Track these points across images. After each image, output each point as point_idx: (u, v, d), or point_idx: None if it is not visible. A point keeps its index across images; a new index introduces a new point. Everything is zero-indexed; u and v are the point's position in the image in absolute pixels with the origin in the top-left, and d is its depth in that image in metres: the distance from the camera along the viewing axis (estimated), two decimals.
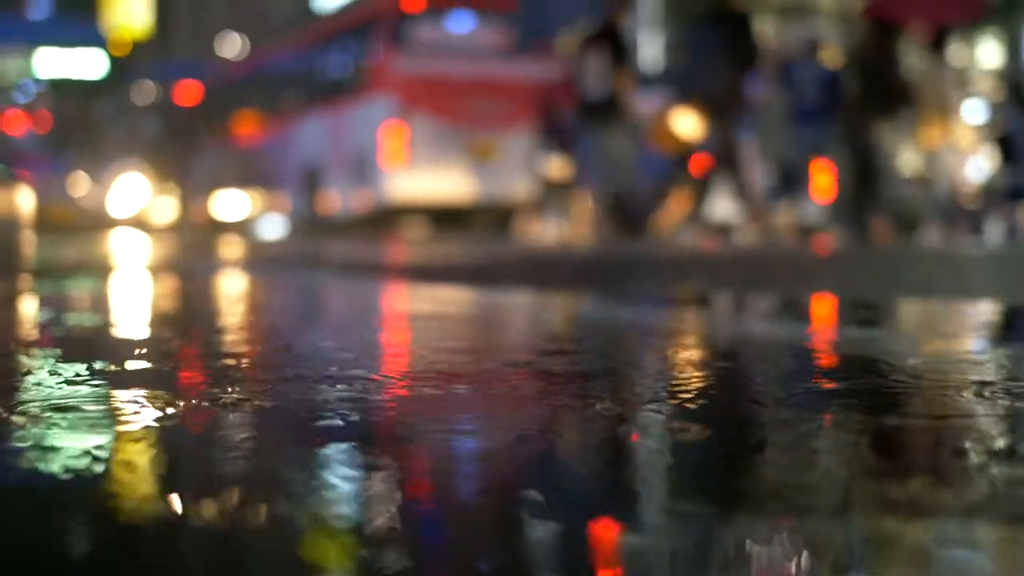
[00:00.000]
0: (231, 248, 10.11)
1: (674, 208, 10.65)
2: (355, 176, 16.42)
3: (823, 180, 11.19)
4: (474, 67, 15.87)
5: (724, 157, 9.95)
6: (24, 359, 2.08)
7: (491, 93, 15.75)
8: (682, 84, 10.10)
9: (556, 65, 16.93)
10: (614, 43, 10.88)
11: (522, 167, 15.76)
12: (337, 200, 17.08)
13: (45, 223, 19.52)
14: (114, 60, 42.78)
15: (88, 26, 47.93)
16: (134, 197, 23.73)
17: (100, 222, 21.99)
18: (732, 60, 9.51)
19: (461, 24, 16.39)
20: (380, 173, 15.75)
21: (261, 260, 7.51)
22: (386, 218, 16.22)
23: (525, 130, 15.82)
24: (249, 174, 20.60)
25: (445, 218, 16.08)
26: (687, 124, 9.94)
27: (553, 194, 13.87)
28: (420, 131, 15.54)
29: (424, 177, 15.57)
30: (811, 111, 10.71)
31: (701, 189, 10.43)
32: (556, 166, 13.66)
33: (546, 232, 13.58)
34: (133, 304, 3.73)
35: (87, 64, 45.80)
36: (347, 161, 16.73)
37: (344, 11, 20.19)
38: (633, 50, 10.71)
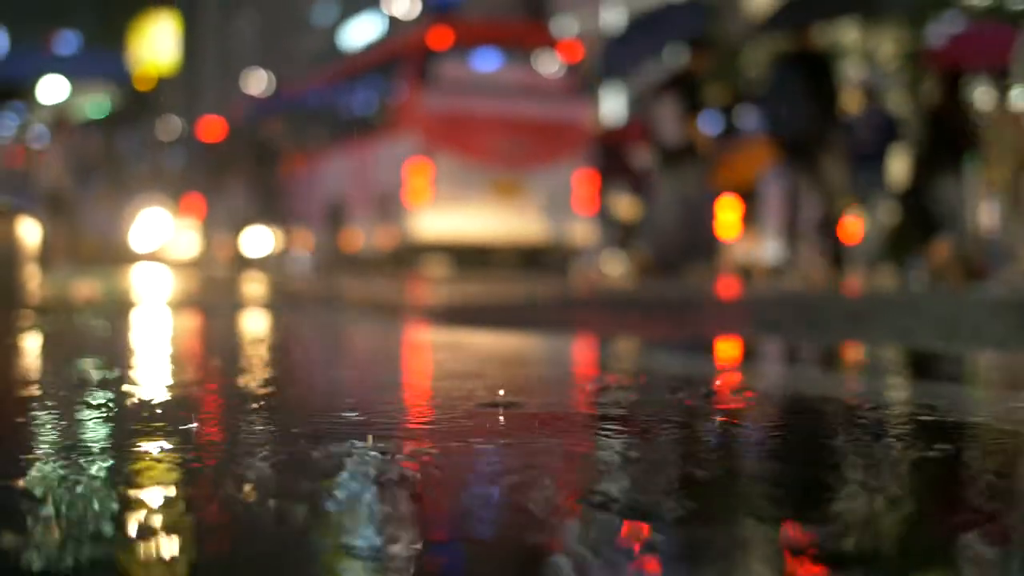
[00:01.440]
0: (253, 285, 9.99)
1: (761, 250, 10.63)
2: (379, 213, 16.33)
3: (851, 224, 11.07)
4: (500, 105, 15.78)
5: (795, 196, 9.91)
6: None
7: (516, 131, 15.66)
8: (764, 123, 10.10)
9: (582, 104, 16.88)
10: (690, 89, 10.89)
11: (547, 206, 15.64)
12: (361, 237, 16.98)
13: (74, 255, 19.48)
14: (139, 94, 43.01)
15: (114, 61, 48.19)
16: (156, 231, 23.72)
17: (121, 256, 21.96)
18: (814, 100, 9.49)
19: (487, 62, 16.33)
20: (404, 211, 15.65)
21: (283, 299, 7.37)
22: (410, 256, 16.11)
23: (550, 169, 15.71)
24: (274, 210, 20.54)
25: (469, 256, 15.94)
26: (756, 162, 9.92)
27: (621, 235, 13.88)
28: (445, 169, 15.45)
29: (448, 215, 15.46)
30: (866, 155, 10.66)
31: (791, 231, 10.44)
32: (625, 207, 13.68)
33: (610, 273, 13.52)
34: (136, 344, 3.57)
35: (108, 99, 46.10)
36: (371, 198, 16.64)
37: (370, 48, 20.19)
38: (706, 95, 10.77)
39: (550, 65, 16.43)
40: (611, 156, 14.48)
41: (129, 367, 2.73)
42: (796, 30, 10.03)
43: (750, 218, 11.11)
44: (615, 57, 14.68)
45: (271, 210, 16.00)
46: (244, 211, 21.67)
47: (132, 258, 21.63)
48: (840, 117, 10.05)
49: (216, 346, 3.56)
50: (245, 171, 22.32)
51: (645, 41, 13.03)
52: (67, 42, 51.92)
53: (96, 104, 26.48)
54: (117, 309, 5.59)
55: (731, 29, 10.97)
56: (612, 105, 15.75)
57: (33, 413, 1.86)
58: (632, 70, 13.63)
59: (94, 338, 3.76)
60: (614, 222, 14.17)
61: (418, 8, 30.20)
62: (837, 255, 9.89)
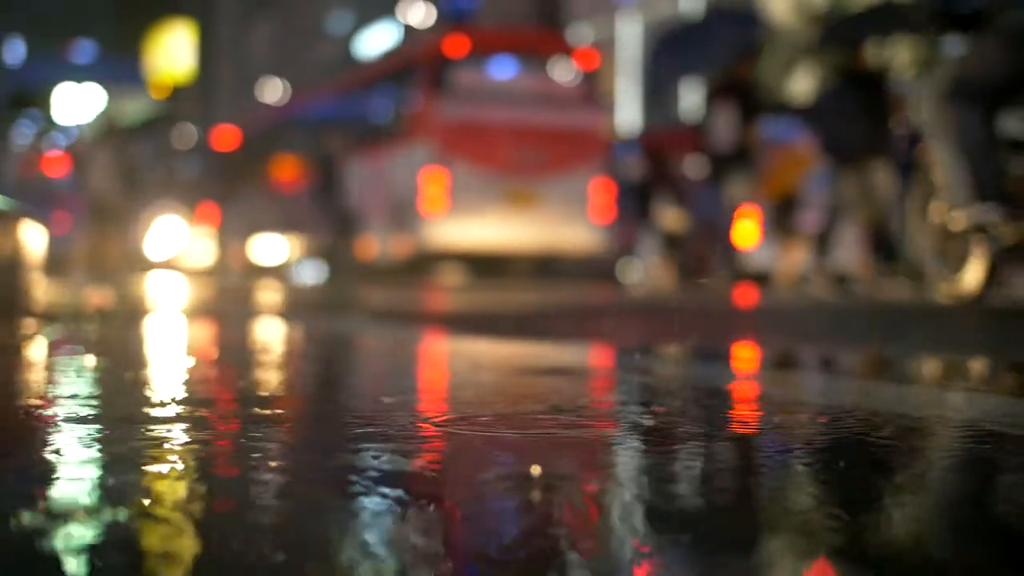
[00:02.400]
0: (268, 293, 9.94)
1: (793, 257, 10.66)
2: (395, 221, 16.29)
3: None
4: (516, 113, 15.74)
5: (844, 211, 9.94)
6: None
7: (532, 140, 15.61)
8: (815, 137, 10.13)
9: (598, 112, 16.83)
10: (742, 96, 10.93)
11: (562, 214, 15.59)
12: (376, 245, 16.94)
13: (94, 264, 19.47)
14: (154, 103, 43.19)
15: (130, 70, 48.47)
16: (171, 240, 23.73)
17: (136, 264, 21.96)
18: (869, 116, 9.51)
19: (503, 70, 16.29)
20: (420, 219, 15.61)
21: (297, 306, 7.31)
22: (425, 264, 16.06)
23: (566, 177, 15.66)
24: (288, 219, 20.54)
25: (484, 265, 15.90)
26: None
27: (668, 245, 13.88)
28: (460, 177, 15.40)
29: (464, 223, 15.41)
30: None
31: (823, 240, 10.47)
32: (672, 218, 13.67)
33: (657, 281, 13.49)
34: (144, 353, 3.51)
35: (127, 107, 46.27)
36: (387, 207, 16.60)
37: (386, 56, 20.18)
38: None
39: (566, 73, 16.38)
40: (657, 166, 14.47)
41: (125, 375, 2.66)
42: (849, 46, 10.05)
43: (787, 226, 11.13)
44: (664, 66, 14.67)
45: (331, 219, 15.75)
46: (258, 219, 21.68)
47: (147, 266, 21.63)
48: (892, 131, 10.04)
49: (217, 353, 3.49)
50: (260, 179, 22.32)
51: (695, 49, 13.05)
52: (84, 51, 52.20)
53: (140, 110, 26.61)
54: (127, 317, 5.53)
55: (783, 40, 11.05)
56: (657, 115, 15.74)
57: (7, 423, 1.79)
58: (681, 79, 13.62)
59: (93, 346, 3.69)
60: (659, 232, 14.18)
61: (433, 16, 30.23)
62: (889, 264, 9.92)
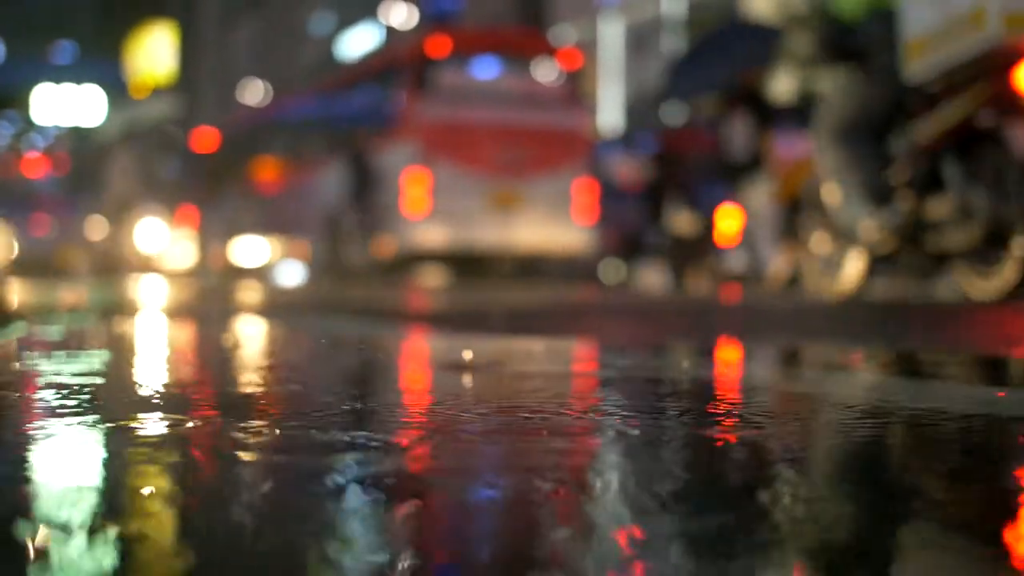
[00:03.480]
0: (248, 293, 9.84)
1: (786, 259, 10.67)
2: (377, 223, 16.17)
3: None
4: (498, 114, 15.65)
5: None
6: None
7: (515, 140, 15.53)
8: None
9: (581, 112, 16.77)
10: (757, 104, 10.98)
11: (546, 215, 15.52)
12: (358, 247, 16.82)
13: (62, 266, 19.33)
14: (135, 104, 42.98)
15: (110, 71, 48.25)
16: (152, 241, 23.58)
17: (118, 265, 21.82)
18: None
19: (486, 70, 16.20)
20: (402, 220, 15.50)
21: (277, 306, 7.21)
22: (407, 265, 15.96)
23: (549, 177, 15.58)
24: (269, 220, 20.41)
25: (467, 266, 15.79)
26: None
27: (680, 249, 13.85)
28: (443, 178, 15.30)
29: (446, 224, 15.31)
30: None
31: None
32: (685, 222, 13.65)
33: (665, 285, 13.47)
34: (102, 351, 3.41)
35: (100, 108, 46.09)
36: (369, 207, 16.49)
37: (368, 57, 20.08)
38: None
39: (549, 73, 16.31)
40: (669, 168, 14.43)
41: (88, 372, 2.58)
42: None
43: (794, 230, 11.13)
44: (683, 77, 14.65)
45: (367, 220, 15.50)
46: (239, 221, 21.55)
47: (127, 268, 21.49)
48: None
49: (183, 352, 3.40)
50: (241, 181, 22.19)
51: (713, 60, 13.04)
52: (64, 52, 51.92)
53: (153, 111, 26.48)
54: (97, 315, 5.43)
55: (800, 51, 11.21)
56: (672, 119, 15.74)
57: None
58: (700, 89, 13.62)
59: (56, 344, 3.60)
60: (669, 235, 14.17)
61: (415, 18, 30.15)
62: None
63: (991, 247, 6.08)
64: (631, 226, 16.24)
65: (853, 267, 7.11)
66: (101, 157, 24.04)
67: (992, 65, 5.92)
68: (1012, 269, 5.91)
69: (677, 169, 14.13)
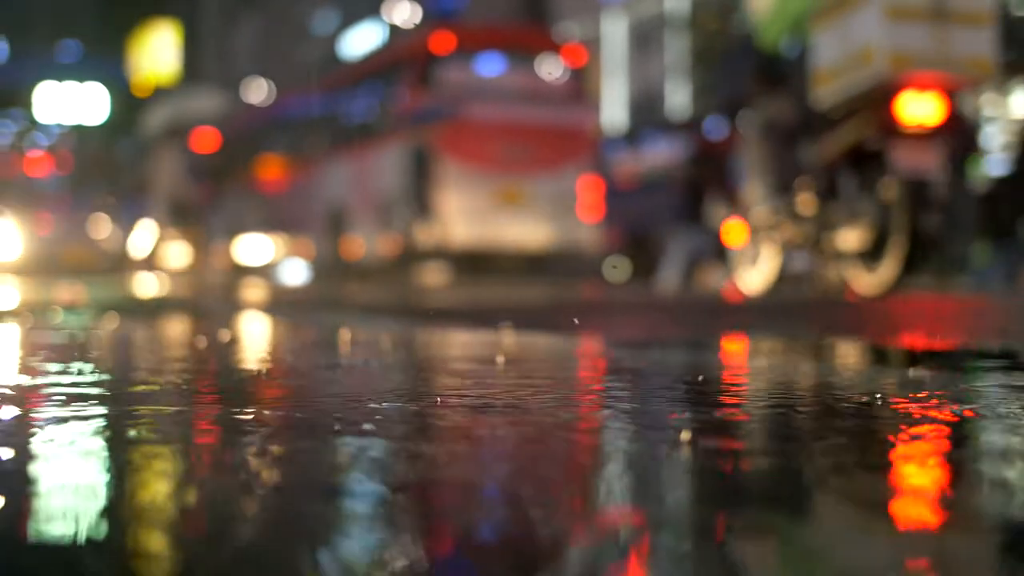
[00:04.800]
0: (250, 291, 9.78)
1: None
2: (381, 221, 16.11)
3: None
4: (503, 110, 15.57)
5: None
6: None
7: (520, 137, 15.44)
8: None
9: (586, 109, 16.69)
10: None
11: (551, 212, 15.45)
12: (362, 245, 16.77)
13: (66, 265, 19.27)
14: (139, 102, 42.92)
15: (113, 69, 48.24)
16: (154, 240, 23.53)
17: (120, 264, 21.78)
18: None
19: (490, 67, 16.13)
20: (407, 218, 15.44)
21: (278, 304, 7.15)
22: (412, 263, 15.89)
23: (554, 174, 15.51)
24: (272, 218, 20.37)
25: (472, 263, 15.71)
26: None
27: (718, 245, 13.82)
28: (447, 175, 15.23)
29: (451, 222, 15.24)
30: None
31: None
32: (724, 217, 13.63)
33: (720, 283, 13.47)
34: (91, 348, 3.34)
35: (103, 106, 46.06)
36: (373, 205, 16.43)
37: (372, 54, 20.00)
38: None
39: (553, 70, 16.24)
40: (710, 165, 14.37)
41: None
42: None
43: None
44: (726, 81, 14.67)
45: (417, 219, 15.31)
46: (242, 219, 21.50)
47: (130, 266, 21.44)
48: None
49: (167, 347, 3.33)
50: (245, 180, 22.14)
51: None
52: (68, 51, 51.92)
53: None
54: (92, 313, 5.37)
55: None
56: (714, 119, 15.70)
57: None
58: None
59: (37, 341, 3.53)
60: (711, 234, 14.13)
61: (419, 16, 30.08)
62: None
63: (876, 249, 7.09)
64: (637, 224, 16.18)
65: (766, 264, 8.20)
66: (144, 156, 23.98)
67: (878, 96, 6.97)
68: (890, 267, 6.96)
69: (717, 170, 14.14)
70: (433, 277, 15.57)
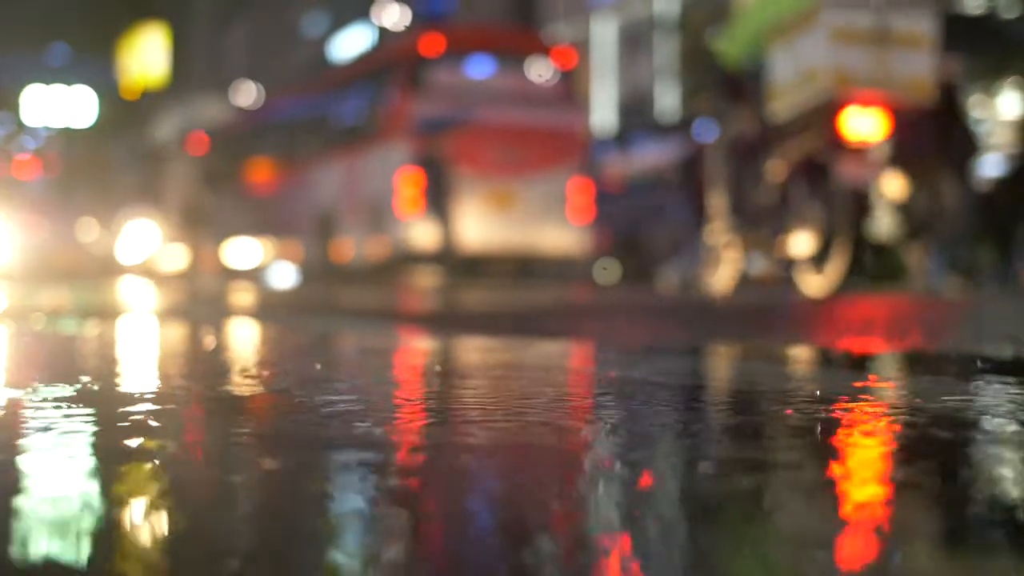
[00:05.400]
0: (240, 295, 9.74)
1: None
2: (370, 223, 16.07)
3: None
4: (493, 113, 15.54)
5: (927, 219, 10.21)
6: None
7: (509, 139, 15.41)
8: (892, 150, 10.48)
9: (576, 111, 16.67)
10: None
11: (541, 215, 15.42)
12: (352, 248, 16.72)
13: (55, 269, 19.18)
14: (127, 105, 42.84)
15: (102, 72, 48.08)
16: (144, 244, 23.45)
17: (109, 268, 21.69)
18: (940, 128, 9.86)
19: (479, 69, 16.10)
20: (396, 220, 15.40)
21: (268, 308, 7.11)
22: (402, 266, 15.85)
23: (544, 177, 15.48)
24: (262, 222, 20.30)
25: (462, 266, 15.68)
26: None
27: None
28: (437, 178, 15.19)
29: (440, 224, 15.20)
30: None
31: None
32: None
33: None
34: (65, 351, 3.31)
35: (90, 109, 45.94)
36: (362, 208, 16.38)
37: (362, 57, 19.96)
38: None
39: (543, 72, 16.21)
40: (745, 166, 14.34)
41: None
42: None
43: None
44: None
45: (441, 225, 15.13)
46: (232, 223, 21.43)
47: (119, 270, 21.35)
48: (959, 142, 10.38)
49: (150, 353, 3.30)
50: (234, 183, 22.07)
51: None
52: (56, 53, 51.76)
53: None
54: (77, 318, 5.32)
55: None
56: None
57: None
58: None
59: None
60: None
61: (408, 18, 30.04)
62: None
63: (823, 253, 7.68)
64: (627, 226, 16.15)
65: (729, 268, 8.80)
66: (158, 163, 23.92)
67: (824, 113, 7.57)
68: (835, 270, 7.53)
69: (755, 167, 14.24)
70: (424, 280, 15.53)
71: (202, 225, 19.77)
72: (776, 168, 8.08)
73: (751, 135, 8.36)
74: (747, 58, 8.49)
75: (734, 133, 8.63)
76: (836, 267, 7.55)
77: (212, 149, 24.25)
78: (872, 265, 8.13)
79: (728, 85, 8.75)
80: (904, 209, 9.52)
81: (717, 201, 8.89)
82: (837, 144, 7.54)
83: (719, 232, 8.90)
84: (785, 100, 7.89)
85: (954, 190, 10.09)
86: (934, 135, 10.00)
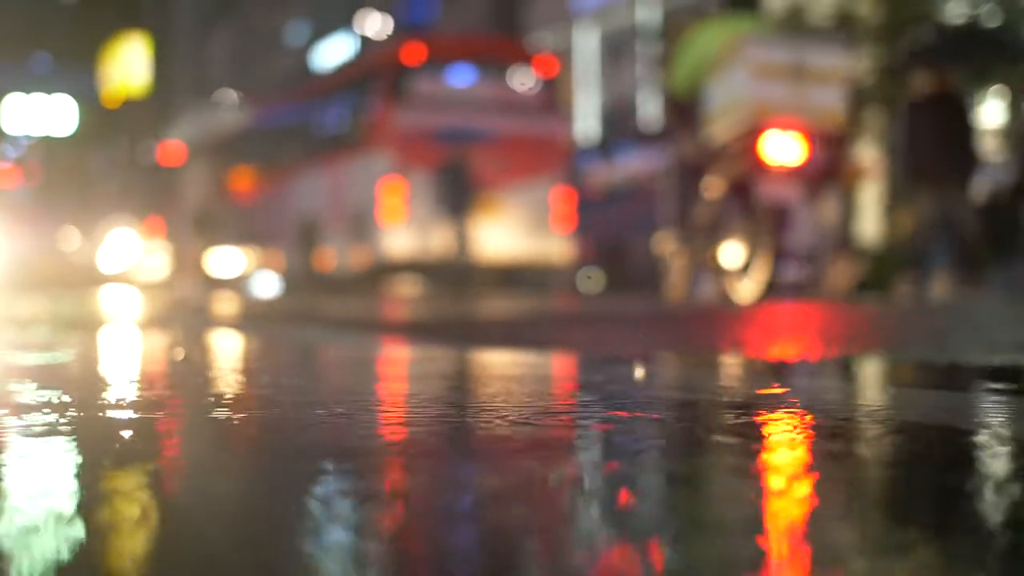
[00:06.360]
0: (223, 305, 9.70)
1: (844, 271, 11.44)
2: (353, 233, 16.04)
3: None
4: (475, 121, 15.54)
5: (940, 228, 10.39)
6: None
7: (493, 148, 15.42)
8: (902, 161, 10.67)
9: (558, 120, 16.69)
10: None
11: (524, 224, 15.42)
12: (334, 257, 16.69)
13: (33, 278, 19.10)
14: (107, 114, 42.71)
15: (84, 81, 47.94)
16: (125, 252, 23.36)
17: (90, 277, 21.61)
18: (951, 138, 10.15)
19: (461, 78, 16.11)
20: (378, 230, 15.38)
21: (250, 318, 7.08)
22: (384, 276, 15.83)
23: (526, 186, 15.49)
24: (244, 230, 20.25)
25: (444, 276, 15.67)
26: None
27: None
28: (419, 187, 15.18)
29: (422, 234, 15.19)
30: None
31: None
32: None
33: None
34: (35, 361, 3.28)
35: (70, 118, 45.81)
36: (345, 217, 16.36)
37: (344, 66, 19.95)
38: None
39: (525, 81, 16.23)
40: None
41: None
42: (934, 70, 10.46)
43: (844, 239, 11.93)
44: None
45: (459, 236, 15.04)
46: (214, 232, 21.37)
47: (100, 279, 21.28)
48: (973, 153, 10.46)
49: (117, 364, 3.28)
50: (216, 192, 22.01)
51: None
52: (38, 62, 51.57)
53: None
54: (50, 328, 5.29)
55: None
56: None
57: None
58: None
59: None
60: None
61: (390, 28, 30.05)
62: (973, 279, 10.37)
63: (749, 264, 8.54)
64: (610, 235, 16.17)
65: (677, 276, 9.67)
66: (179, 170, 23.81)
67: (747, 140, 8.46)
68: (758, 279, 8.41)
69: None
70: (406, 290, 15.51)
71: (213, 231, 19.78)
72: (712, 186, 8.91)
73: (693, 156, 9.18)
74: (689, 86, 9.21)
75: (679, 153, 9.48)
76: (759, 276, 8.43)
77: (189, 158, 24.19)
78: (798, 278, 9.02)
79: (674, 110, 9.56)
80: (898, 219, 9.81)
81: (666, 217, 9.82)
82: (758, 167, 8.45)
83: (667, 243, 9.79)
84: (717, 126, 8.76)
85: (962, 198, 10.27)
86: (944, 144, 10.19)
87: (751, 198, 8.55)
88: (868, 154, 14.82)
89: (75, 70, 51.14)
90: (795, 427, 1.64)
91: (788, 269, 8.67)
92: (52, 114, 45.14)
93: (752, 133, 8.42)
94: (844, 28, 14.74)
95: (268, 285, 19.12)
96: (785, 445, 1.48)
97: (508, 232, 15.40)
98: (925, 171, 10.15)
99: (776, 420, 1.72)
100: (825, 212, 11.97)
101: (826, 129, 8.77)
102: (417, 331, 5.20)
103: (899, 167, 10.76)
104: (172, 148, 25.38)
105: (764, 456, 1.41)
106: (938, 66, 10.48)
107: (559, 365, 3.16)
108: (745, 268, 8.61)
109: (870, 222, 14.80)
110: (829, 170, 11.81)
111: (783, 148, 8.49)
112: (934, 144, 10.09)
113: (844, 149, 11.89)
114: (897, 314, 6.80)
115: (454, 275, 15.49)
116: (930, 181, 10.19)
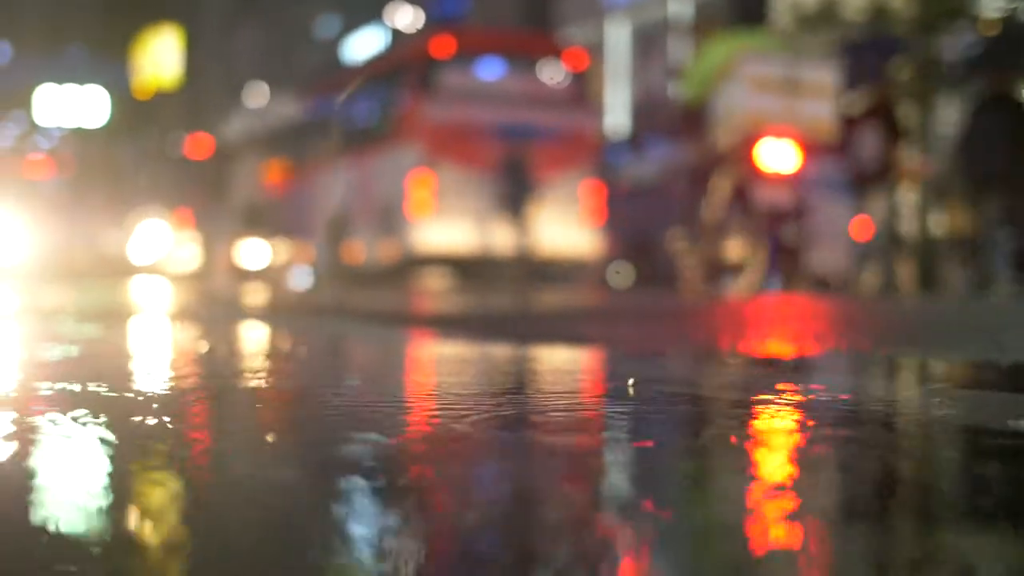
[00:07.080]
0: (254, 297, 9.74)
1: (901, 270, 11.68)
2: (382, 226, 16.05)
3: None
4: (504, 114, 15.50)
5: (1006, 229, 10.45)
6: None
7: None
8: (962, 163, 10.69)
9: (588, 114, 16.63)
10: (888, 116, 11.49)
11: (553, 218, 15.38)
12: (363, 250, 16.71)
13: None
14: (139, 105, 42.95)
15: (115, 72, 48.20)
16: (155, 244, 23.50)
17: (122, 268, 21.74)
18: (1011, 142, 10.15)
19: (491, 71, 16.08)
20: (407, 223, 15.38)
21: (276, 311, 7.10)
22: (412, 269, 15.83)
23: (556, 180, 15.45)
24: (274, 223, 20.33)
25: (473, 269, 15.65)
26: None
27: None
28: (448, 180, 15.17)
29: (452, 227, 15.18)
30: None
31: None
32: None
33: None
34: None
35: (102, 109, 46.08)
36: (374, 210, 16.38)
37: (374, 59, 19.96)
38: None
39: (555, 74, 16.19)
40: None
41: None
42: (996, 72, 10.44)
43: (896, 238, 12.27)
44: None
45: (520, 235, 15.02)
46: (243, 224, 21.46)
47: (131, 270, 21.39)
48: None
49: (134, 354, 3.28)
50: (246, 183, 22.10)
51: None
52: (70, 54, 51.90)
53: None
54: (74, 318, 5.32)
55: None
56: None
57: None
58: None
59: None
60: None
61: (421, 21, 30.06)
62: None
63: (746, 262, 9.35)
64: (640, 229, 16.10)
65: (690, 273, 10.17)
66: (228, 164, 23.96)
67: (744, 148, 9.33)
68: (753, 274, 9.28)
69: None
70: (434, 283, 15.52)
71: (261, 225, 19.94)
72: (717, 189, 9.59)
73: (700, 160, 9.87)
74: (699, 95, 9.89)
75: (689, 157, 10.21)
76: (754, 273, 9.26)
77: (223, 150, 24.29)
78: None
79: (686, 117, 10.24)
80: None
81: (678, 214, 10.70)
82: (754, 173, 9.29)
83: (679, 241, 10.51)
84: (721, 135, 9.53)
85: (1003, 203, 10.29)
86: (1012, 147, 10.19)
87: (750, 201, 9.33)
88: (912, 155, 14.88)
89: (106, 61, 51.44)
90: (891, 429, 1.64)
91: (819, 266, 9.52)
92: (84, 105, 45.42)
93: (749, 141, 9.28)
94: (878, 22, 14.63)
95: (301, 278, 19.18)
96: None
97: (537, 226, 15.37)
98: (995, 173, 10.14)
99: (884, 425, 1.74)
100: (875, 212, 12.01)
101: (816, 139, 9.72)
102: (462, 326, 5.20)
103: (963, 169, 10.70)
104: (200, 141, 25.47)
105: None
106: (999, 69, 10.46)
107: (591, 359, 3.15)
108: (745, 266, 9.41)
109: (914, 221, 14.77)
110: (880, 171, 11.86)
111: (778, 155, 9.31)
112: (1003, 147, 10.09)
113: (897, 150, 11.94)
114: (958, 313, 6.77)
115: (483, 269, 15.48)
116: (1000, 183, 10.19)
